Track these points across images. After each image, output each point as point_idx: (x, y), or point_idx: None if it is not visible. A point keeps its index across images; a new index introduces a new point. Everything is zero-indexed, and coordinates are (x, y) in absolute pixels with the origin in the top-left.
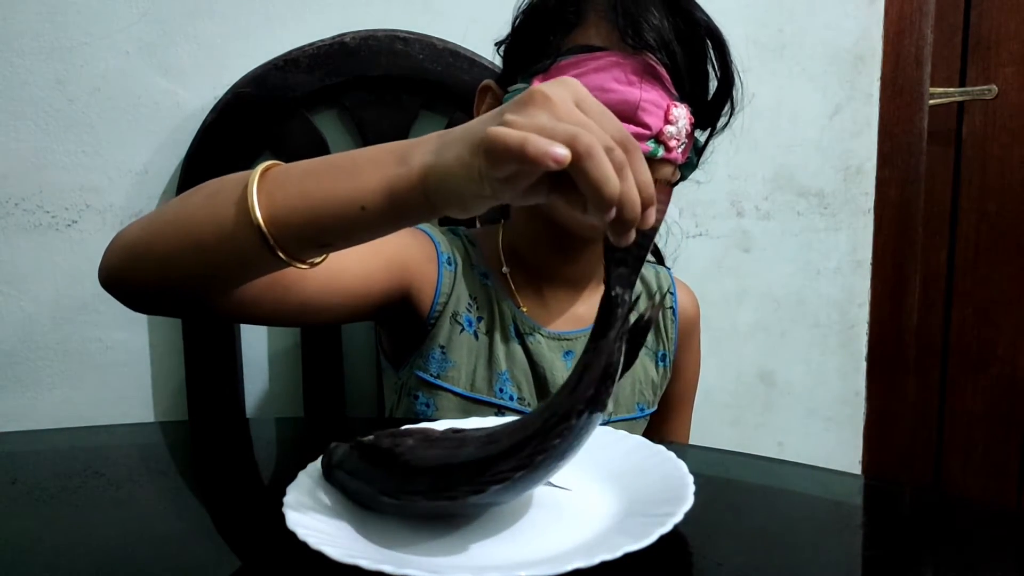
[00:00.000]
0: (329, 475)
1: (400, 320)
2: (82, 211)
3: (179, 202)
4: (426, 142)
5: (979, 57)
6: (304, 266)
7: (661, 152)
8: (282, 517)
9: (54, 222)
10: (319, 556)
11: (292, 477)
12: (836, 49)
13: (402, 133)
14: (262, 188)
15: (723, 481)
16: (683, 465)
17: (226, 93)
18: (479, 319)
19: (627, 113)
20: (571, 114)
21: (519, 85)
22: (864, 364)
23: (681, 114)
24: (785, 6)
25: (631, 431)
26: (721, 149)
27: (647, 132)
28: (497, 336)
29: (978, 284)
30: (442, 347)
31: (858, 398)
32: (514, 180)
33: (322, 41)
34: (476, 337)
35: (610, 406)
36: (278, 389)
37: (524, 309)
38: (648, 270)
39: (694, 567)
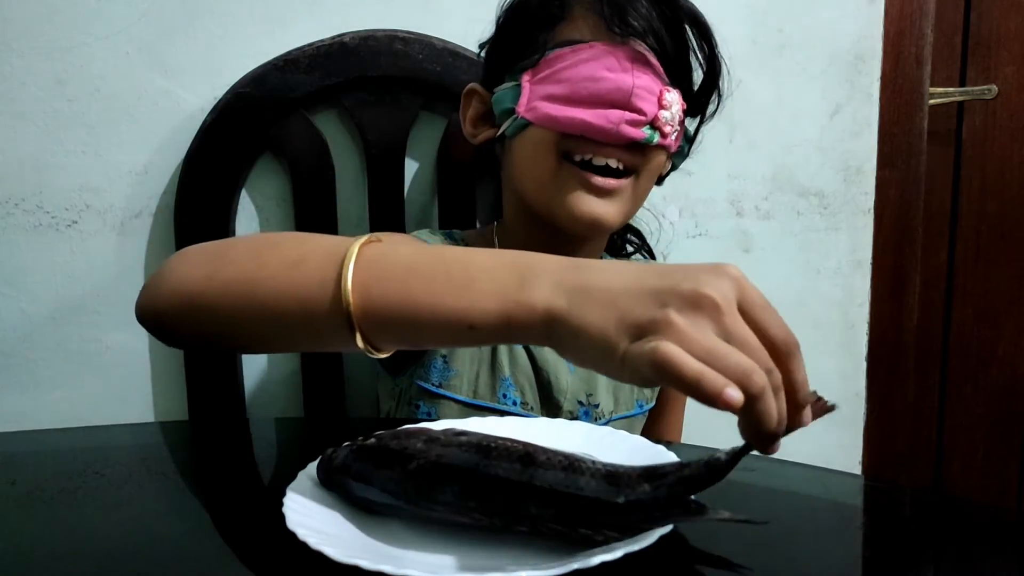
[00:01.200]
0: (328, 481)
1: None
2: (82, 211)
3: (252, 258)
4: (553, 272)
5: (979, 57)
6: (383, 356)
7: (657, 138)
8: (282, 517)
9: (54, 222)
10: (319, 556)
11: (292, 477)
12: (836, 49)
13: (402, 133)
14: (357, 273)
15: (723, 481)
16: None
17: (226, 93)
18: None
19: (621, 100)
20: (739, 332)
21: (508, 84)
22: (864, 364)
23: (674, 99)
24: (785, 6)
25: (631, 427)
26: (721, 149)
27: (643, 118)
28: None
29: (978, 284)
30: (443, 356)
31: (858, 398)
32: (646, 383)
33: (322, 41)
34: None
35: (611, 405)
36: (278, 389)
37: None
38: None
39: (694, 567)
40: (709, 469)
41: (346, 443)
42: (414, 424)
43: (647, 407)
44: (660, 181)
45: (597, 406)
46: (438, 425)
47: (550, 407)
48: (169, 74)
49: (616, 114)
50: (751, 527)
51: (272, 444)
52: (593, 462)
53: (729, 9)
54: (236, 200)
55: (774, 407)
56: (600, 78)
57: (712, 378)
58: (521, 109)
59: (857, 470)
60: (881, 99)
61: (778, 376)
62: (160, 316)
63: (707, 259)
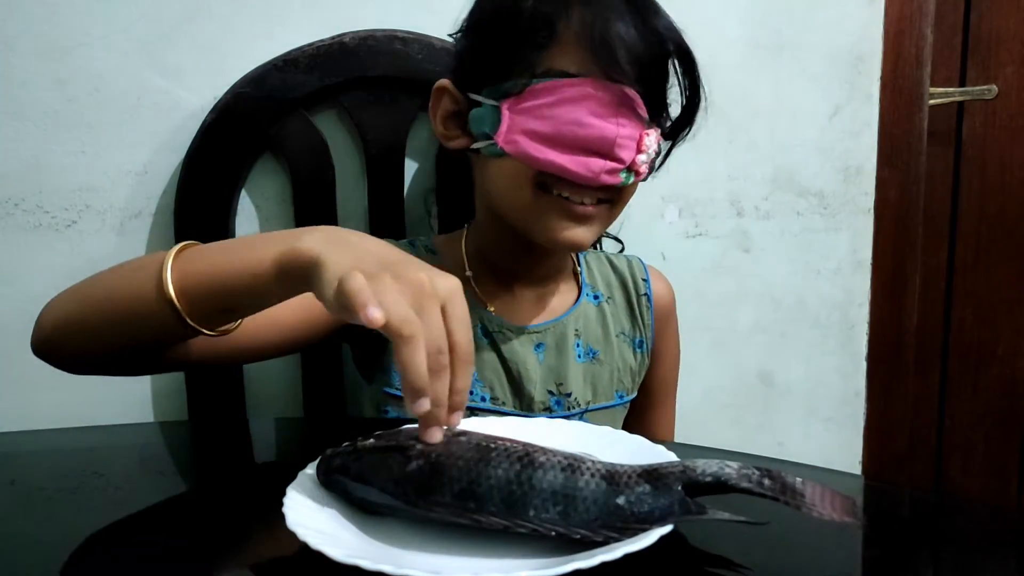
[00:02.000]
0: (328, 481)
1: (362, 337)
2: (82, 211)
3: (106, 277)
4: (324, 231)
5: (979, 57)
6: (212, 334)
7: (632, 179)
8: (282, 517)
9: (54, 222)
10: (319, 556)
11: (292, 477)
12: (836, 49)
13: (401, 133)
14: (176, 265)
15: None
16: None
17: (226, 93)
18: None
19: (604, 150)
20: (429, 312)
21: (488, 103)
22: (864, 364)
23: (652, 141)
24: (785, 6)
25: (612, 418)
26: (721, 149)
27: (620, 166)
28: None
29: (978, 284)
30: None
31: (858, 398)
32: (347, 318)
33: (321, 41)
34: None
35: (588, 395)
36: (278, 389)
37: (491, 309)
38: (620, 259)
39: (694, 567)
40: (715, 480)
41: (346, 443)
42: (414, 424)
43: (628, 398)
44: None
45: (569, 395)
46: None
47: (522, 399)
48: (169, 74)
49: (597, 163)
50: (751, 527)
51: (272, 444)
52: (593, 462)
53: (729, 9)
54: (236, 200)
55: (420, 358)
56: (585, 124)
57: (366, 295)
58: (500, 139)
59: (857, 470)
60: (881, 99)
61: (444, 360)
62: (47, 344)
63: (707, 259)
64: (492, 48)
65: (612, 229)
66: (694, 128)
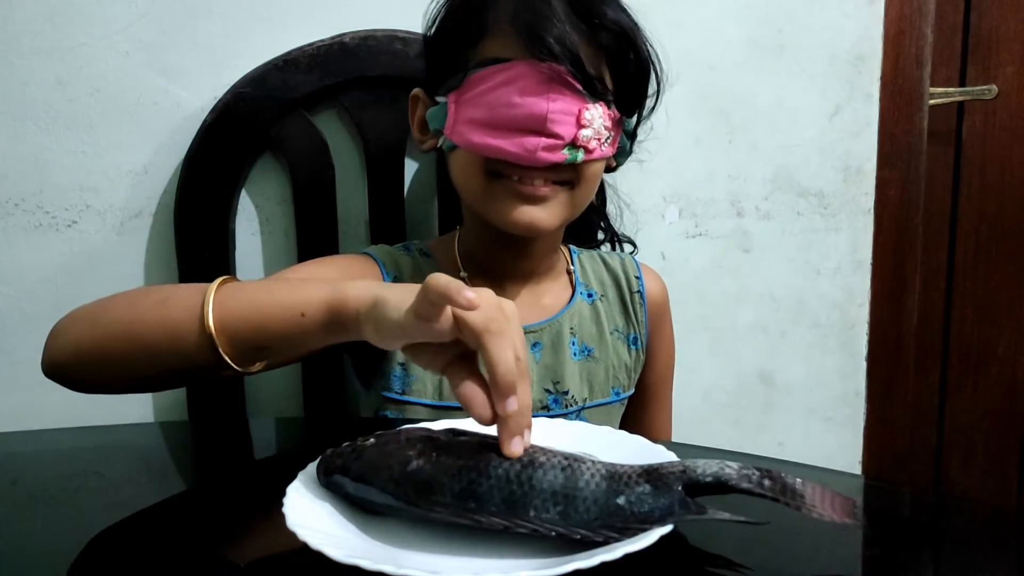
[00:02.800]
0: (328, 481)
1: (360, 346)
2: (82, 211)
3: (127, 305)
4: (362, 283)
5: (979, 57)
6: (243, 372)
7: (581, 156)
8: (282, 517)
9: (54, 222)
10: (319, 556)
11: (292, 477)
12: (836, 49)
13: (402, 133)
14: (216, 297)
15: None
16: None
17: (226, 93)
18: None
19: (536, 126)
20: (506, 317)
21: (439, 101)
22: (864, 364)
23: (595, 115)
24: (785, 6)
25: (609, 415)
26: (721, 149)
27: (560, 142)
28: None
29: (978, 284)
30: (401, 364)
31: (858, 398)
32: (429, 319)
33: (321, 41)
34: None
35: (584, 392)
36: (278, 389)
37: None
38: (613, 257)
39: (694, 567)
40: (715, 480)
41: (346, 443)
42: (414, 424)
43: (624, 395)
44: (612, 169)
45: (567, 393)
46: (438, 425)
47: None
48: (169, 74)
49: (532, 141)
50: (751, 527)
51: (272, 444)
52: (593, 462)
53: (729, 9)
54: (236, 200)
55: (511, 358)
56: (515, 104)
57: (457, 284)
58: (448, 131)
59: (857, 470)
60: (881, 99)
61: (525, 365)
62: (62, 370)
63: (707, 259)
64: (439, 49)
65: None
66: (661, 102)
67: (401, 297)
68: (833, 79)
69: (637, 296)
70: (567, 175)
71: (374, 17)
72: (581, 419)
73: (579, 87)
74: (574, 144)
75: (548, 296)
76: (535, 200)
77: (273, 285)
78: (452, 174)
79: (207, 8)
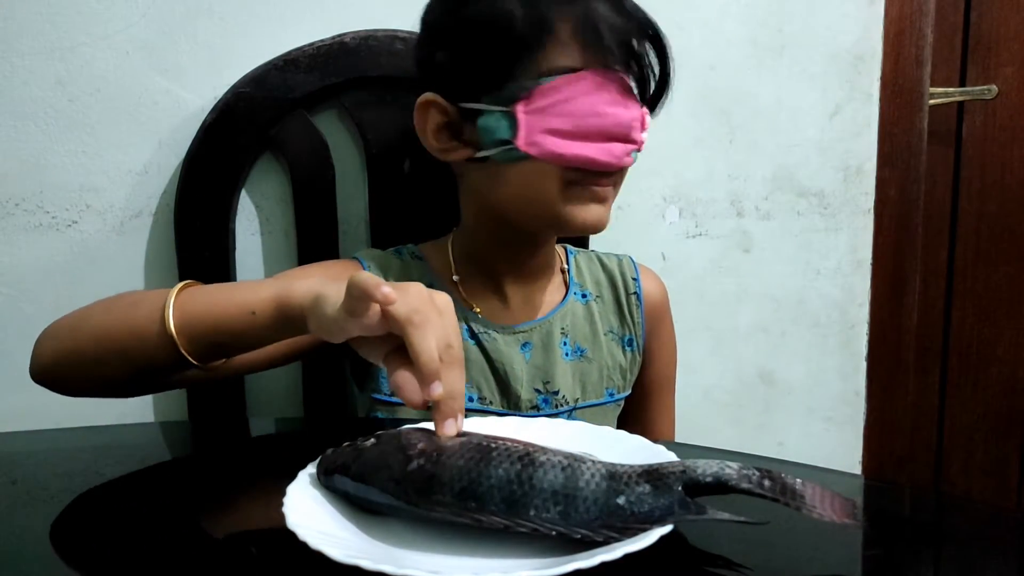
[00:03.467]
0: (328, 481)
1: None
2: (82, 211)
3: (103, 311)
4: (307, 282)
5: (979, 57)
6: (204, 370)
7: (636, 156)
8: (282, 517)
9: (54, 222)
10: (319, 556)
11: (292, 477)
12: (836, 49)
13: (402, 133)
14: (177, 303)
15: None
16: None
17: (226, 93)
18: None
19: (622, 134)
20: (432, 308)
21: (495, 110)
22: (864, 364)
23: (648, 119)
24: (785, 6)
25: (602, 416)
26: (721, 149)
27: (634, 146)
28: None
29: (978, 284)
30: None
31: (858, 398)
32: (357, 314)
33: (322, 41)
34: None
35: (576, 392)
36: (278, 389)
37: (478, 311)
38: (610, 259)
39: (694, 567)
40: (715, 480)
41: (346, 443)
42: (414, 424)
43: (619, 396)
44: None
45: (557, 393)
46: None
47: (509, 399)
48: (169, 74)
49: (619, 148)
50: (751, 527)
51: (272, 444)
52: (593, 462)
53: (729, 9)
54: (236, 200)
55: (432, 347)
56: (603, 114)
57: (377, 281)
58: (521, 143)
59: (857, 470)
60: (881, 99)
61: (456, 354)
62: (48, 374)
63: (707, 259)
64: (488, 56)
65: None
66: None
67: (338, 294)
68: (833, 79)
69: (634, 297)
70: (619, 175)
71: (374, 17)
72: (573, 419)
73: (637, 93)
74: (639, 148)
75: (540, 296)
76: (604, 200)
77: (230, 287)
78: (501, 183)
79: (207, 8)
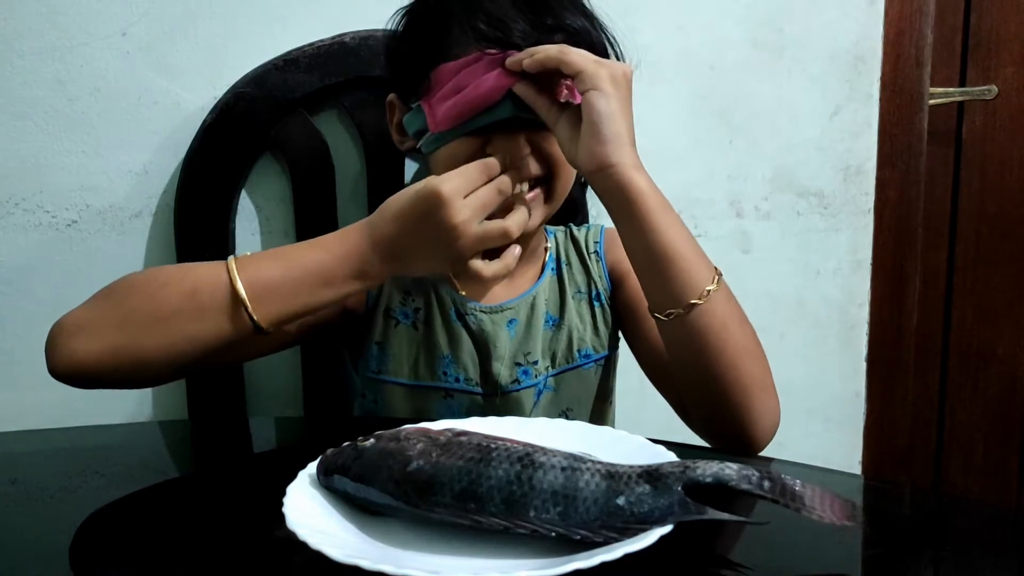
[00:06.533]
0: (328, 482)
1: (348, 328)
2: (82, 211)
3: (150, 300)
4: (382, 250)
5: (979, 57)
6: (267, 339)
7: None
8: (282, 517)
9: (54, 222)
10: (319, 556)
11: (292, 477)
12: (836, 49)
13: None
14: (243, 275)
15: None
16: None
17: (226, 93)
18: (416, 310)
19: (496, 88)
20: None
21: (412, 110)
22: (864, 364)
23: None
24: (785, 6)
25: (583, 379)
26: (721, 149)
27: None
28: (437, 322)
29: (978, 284)
30: (378, 343)
31: (858, 398)
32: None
33: (322, 41)
34: (415, 328)
35: (547, 362)
36: (278, 388)
37: (463, 293)
38: (580, 229)
39: (694, 567)
40: (715, 481)
41: (346, 443)
42: (414, 424)
43: (597, 356)
44: None
45: (536, 363)
46: (438, 426)
47: (488, 378)
48: (169, 74)
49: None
50: (751, 527)
51: (272, 444)
52: (593, 462)
53: (729, 9)
54: (236, 200)
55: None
56: (478, 83)
57: (507, 224)
58: (430, 127)
59: (857, 470)
60: (881, 99)
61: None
62: (83, 370)
63: None
64: (404, 63)
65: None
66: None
67: (427, 265)
68: (833, 79)
69: (595, 255)
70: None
71: (374, 17)
72: (548, 389)
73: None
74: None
75: (524, 273)
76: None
77: (291, 248)
78: (439, 167)
79: (207, 8)
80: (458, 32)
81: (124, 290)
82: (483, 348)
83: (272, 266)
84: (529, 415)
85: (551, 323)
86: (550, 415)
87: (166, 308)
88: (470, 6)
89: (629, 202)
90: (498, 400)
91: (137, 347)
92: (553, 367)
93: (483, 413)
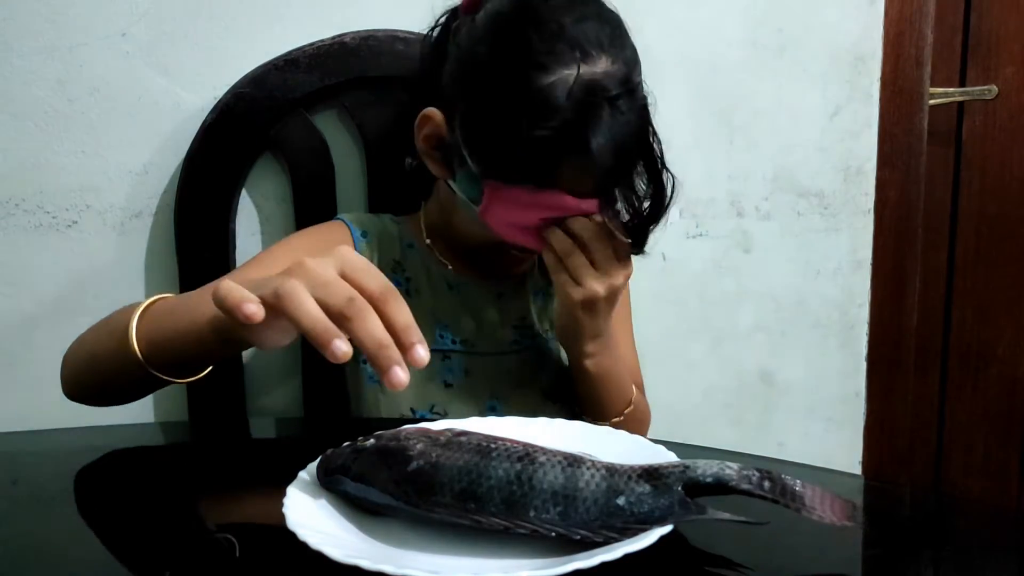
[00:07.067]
0: (328, 481)
1: None
2: (82, 211)
3: (94, 335)
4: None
5: (979, 57)
6: (182, 382)
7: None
8: (282, 517)
9: (54, 222)
10: (319, 556)
11: (292, 477)
12: (836, 49)
13: (402, 133)
14: (140, 327)
15: None
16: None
17: (226, 93)
18: (408, 279)
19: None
20: (321, 275)
21: (474, 169)
22: (864, 364)
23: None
24: (785, 6)
25: (502, 361)
26: (721, 149)
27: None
28: (428, 291)
29: (978, 284)
30: None
31: (858, 398)
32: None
33: (322, 41)
34: (409, 295)
35: (546, 324)
36: (278, 389)
37: (451, 268)
38: None
39: (694, 567)
40: (715, 481)
41: (346, 443)
42: (414, 424)
43: (527, 342)
44: None
45: (532, 326)
46: (438, 425)
47: (488, 340)
48: (169, 74)
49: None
50: (751, 527)
51: (272, 444)
52: (593, 462)
53: (729, 9)
54: (236, 200)
55: (305, 305)
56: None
57: (243, 297)
58: (481, 210)
59: (857, 470)
60: (881, 99)
61: (359, 303)
62: (73, 396)
63: (707, 259)
64: (502, 134)
65: None
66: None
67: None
68: (833, 79)
69: None
70: None
71: (374, 17)
72: (551, 349)
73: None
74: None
75: (507, 261)
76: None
77: (183, 299)
78: (463, 215)
79: (207, 8)
80: (561, 170)
81: (93, 327)
82: (474, 314)
83: (167, 321)
84: (536, 375)
85: (541, 296)
86: (556, 374)
87: (95, 347)
88: (583, 153)
89: (583, 371)
90: (496, 360)
91: (82, 378)
92: (552, 331)
93: (483, 374)
